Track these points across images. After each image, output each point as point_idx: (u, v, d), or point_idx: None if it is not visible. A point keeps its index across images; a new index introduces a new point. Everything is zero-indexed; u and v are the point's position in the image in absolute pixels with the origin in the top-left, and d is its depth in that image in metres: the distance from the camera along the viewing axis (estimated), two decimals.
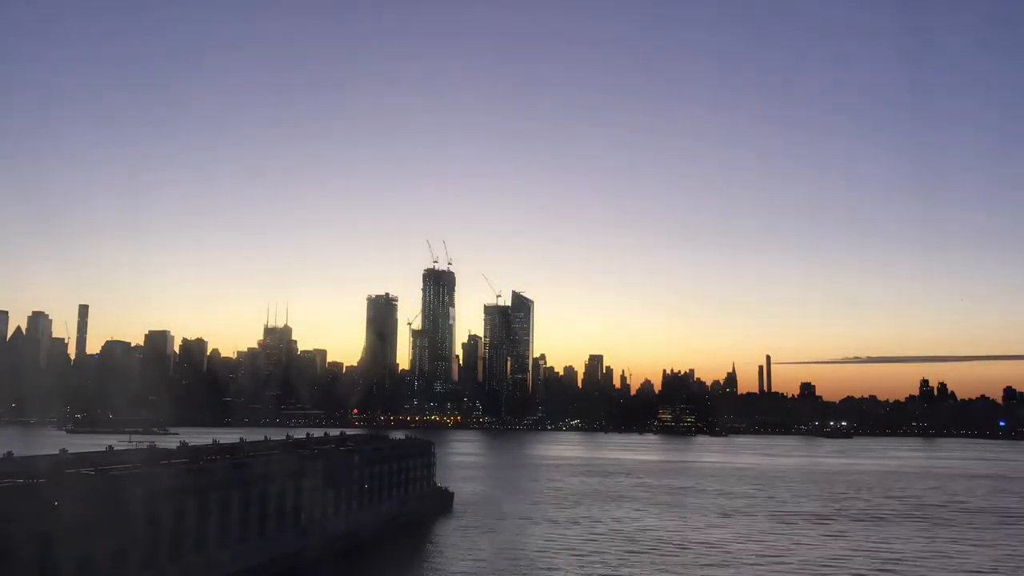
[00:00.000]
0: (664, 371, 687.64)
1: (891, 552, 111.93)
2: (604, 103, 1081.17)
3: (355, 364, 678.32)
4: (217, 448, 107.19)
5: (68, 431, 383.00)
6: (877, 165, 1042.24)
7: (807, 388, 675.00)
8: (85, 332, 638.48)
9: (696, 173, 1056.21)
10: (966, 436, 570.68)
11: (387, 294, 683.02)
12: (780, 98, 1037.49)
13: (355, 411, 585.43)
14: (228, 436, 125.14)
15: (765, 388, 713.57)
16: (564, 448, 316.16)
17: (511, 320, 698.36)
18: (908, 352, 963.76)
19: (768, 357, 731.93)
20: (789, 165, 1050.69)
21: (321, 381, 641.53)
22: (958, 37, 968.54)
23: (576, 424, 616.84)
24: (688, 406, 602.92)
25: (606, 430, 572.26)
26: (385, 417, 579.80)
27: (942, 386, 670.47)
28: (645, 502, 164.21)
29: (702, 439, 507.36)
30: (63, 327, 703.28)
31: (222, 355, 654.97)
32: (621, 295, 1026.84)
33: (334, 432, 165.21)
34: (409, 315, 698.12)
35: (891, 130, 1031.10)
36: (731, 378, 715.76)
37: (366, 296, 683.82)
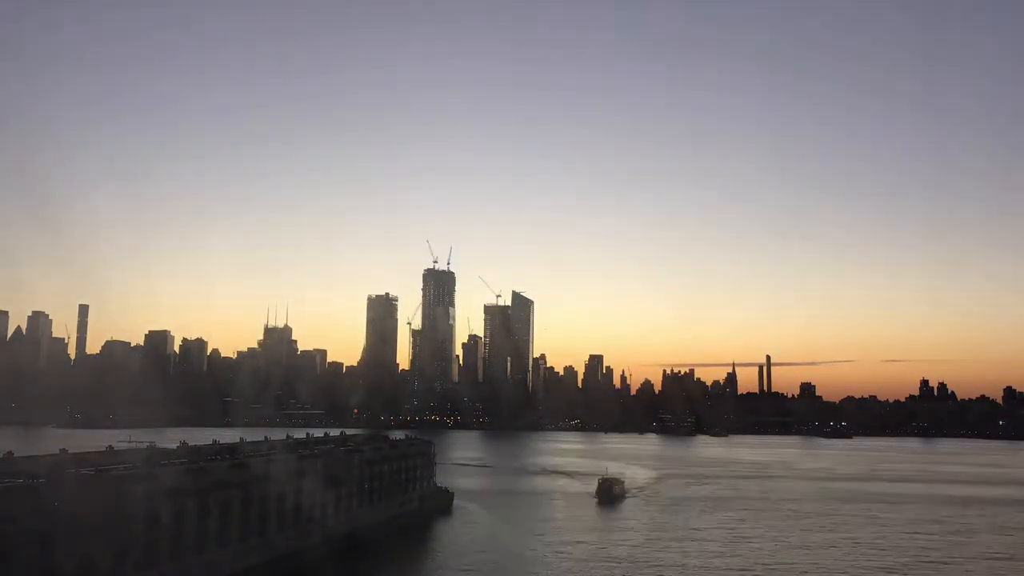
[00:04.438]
0: (664, 371, 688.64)
1: None
2: (603, 103, 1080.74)
3: (355, 364, 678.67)
4: (217, 448, 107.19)
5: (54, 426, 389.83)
6: (879, 165, 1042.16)
7: (807, 388, 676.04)
8: (85, 332, 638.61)
9: (696, 174, 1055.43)
10: (966, 436, 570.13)
11: (387, 294, 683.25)
12: (780, 98, 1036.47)
13: (355, 411, 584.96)
14: (228, 436, 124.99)
15: (765, 388, 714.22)
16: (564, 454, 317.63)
17: (511, 320, 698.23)
18: (908, 352, 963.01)
19: (768, 357, 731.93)
20: (790, 165, 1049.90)
21: (321, 381, 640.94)
22: (973, 41, 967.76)
23: (576, 424, 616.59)
24: (688, 406, 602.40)
25: (606, 430, 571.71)
26: (385, 417, 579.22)
27: (942, 386, 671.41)
28: None
29: (702, 439, 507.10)
30: (63, 327, 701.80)
31: (222, 355, 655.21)
32: (621, 295, 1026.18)
33: (334, 432, 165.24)
34: (409, 315, 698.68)
35: (894, 130, 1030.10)
36: (731, 378, 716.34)
37: (366, 296, 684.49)
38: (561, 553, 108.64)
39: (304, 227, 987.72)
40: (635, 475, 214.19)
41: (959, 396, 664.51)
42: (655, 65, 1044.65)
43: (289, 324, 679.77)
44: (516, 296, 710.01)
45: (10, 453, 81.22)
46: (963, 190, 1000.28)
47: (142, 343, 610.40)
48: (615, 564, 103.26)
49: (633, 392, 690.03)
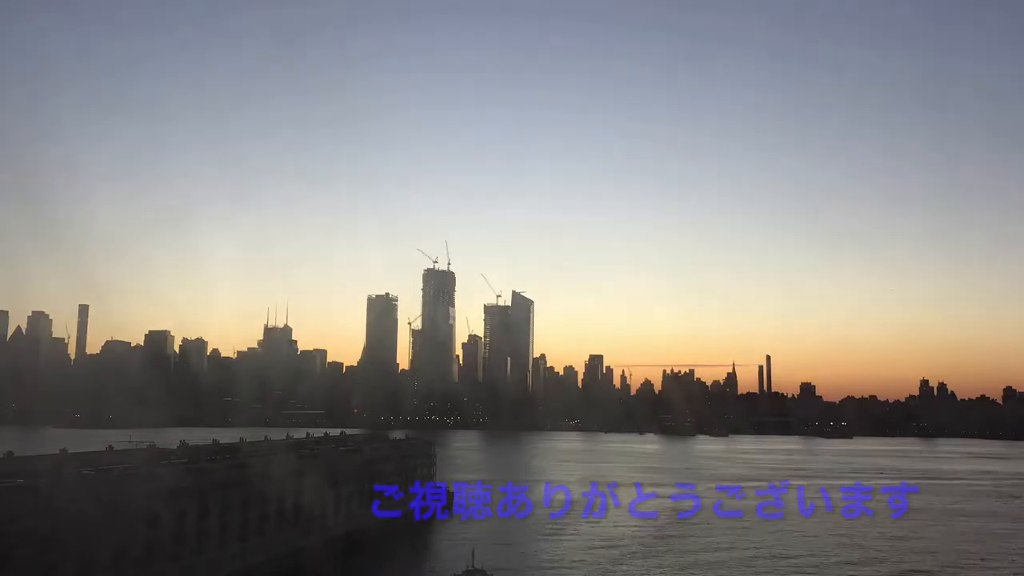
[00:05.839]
0: (664, 371, 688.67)
1: None
2: (604, 103, 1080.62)
3: (355, 364, 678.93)
4: (217, 448, 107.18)
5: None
6: (880, 165, 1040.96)
7: (807, 388, 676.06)
8: (85, 332, 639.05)
9: (696, 174, 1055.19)
10: (966, 436, 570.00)
11: (387, 294, 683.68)
12: (781, 98, 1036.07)
13: (355, 411, 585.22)
14: (228, 436, 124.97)
15: (765, 388, 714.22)
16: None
17: (511, 320, 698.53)
18: (908, 352, 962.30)
19: (768, 357, 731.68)
20: (789, 165, 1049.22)
21: (321, 381, 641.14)
22: (978, 39, 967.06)
23: (576, 424, 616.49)
24: (688, 406, 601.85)
25: (606, 430, 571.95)
26: (385, 417, 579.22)
27: (942, 386, 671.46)
28: None
29: (703, 439, 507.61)
30: (63, 327, 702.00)
31: (222, 355, 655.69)
32: (621, 295, 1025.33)
33: (334, 432, 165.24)
34: (409, 315, 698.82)
35: (896, 130, 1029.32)
36: (731, 378, 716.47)
37: (366, 296, 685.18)
38: None
39: (304, 227, 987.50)
40: None
41: (959, 396, 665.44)
42: (657, 65, 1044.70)
43: (289, 324, 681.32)
44: (516, 296, 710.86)
45: (10, 453, 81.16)
46: (964, 190, 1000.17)
47: (142, 343, 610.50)
48: None
49: (633, 392, 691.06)
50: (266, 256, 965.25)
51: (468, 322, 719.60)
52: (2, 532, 61.56)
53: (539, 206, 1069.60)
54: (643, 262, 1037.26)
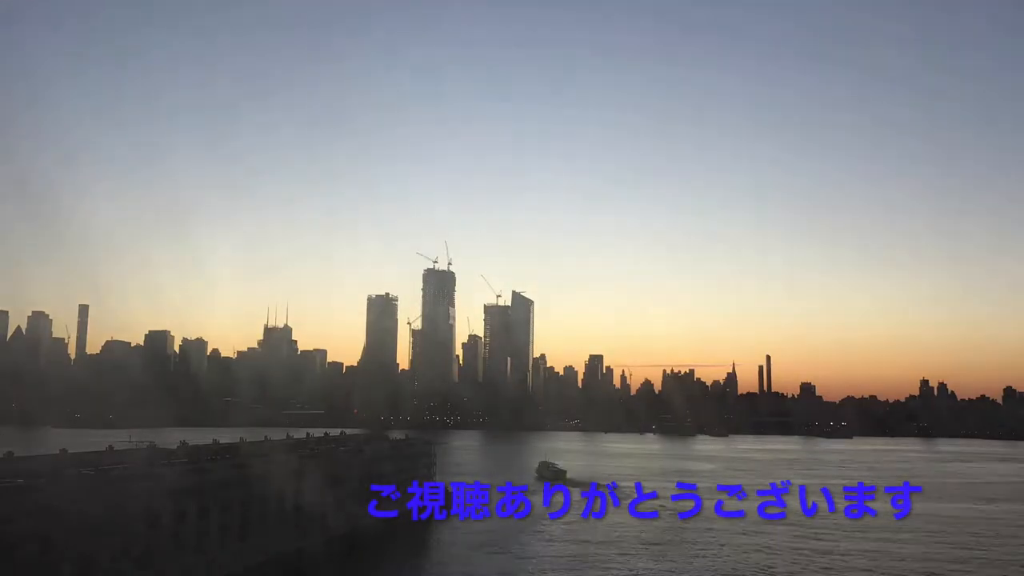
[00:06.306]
0: (664, 371, 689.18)
1: None
2: (604, 103, 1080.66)
3: (355, 364, 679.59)
4: (217, 448, 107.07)
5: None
6: (880, 163, 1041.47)
7: (807, 388, 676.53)
8: (85, 332, 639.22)
9: (697, 173, 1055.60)
10: (966, 436, 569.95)
11: (387, 294, 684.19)
12: (780, 96, 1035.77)
13: (355, 411, 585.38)
14: (228, 436, 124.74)
15: (765, 388, 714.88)
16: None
17: (511, 320, 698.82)
18: (908, 352, 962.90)
19: (768, 357, 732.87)
20: (789, 166, 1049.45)
21: (321, 381, 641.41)
22: (977, 36, 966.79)
23: (576, 424, 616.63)
24: (688, 406, 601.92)
25: (606, 430, 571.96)
26: (385, 417, 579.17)
27: (942, 386, 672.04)
28: None
29: (703, 439, 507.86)
30: (63, 327, 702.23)
31: (222, 355, 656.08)
32: (621, 295, 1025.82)
33: (334, 432, 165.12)
34: (409, 315, 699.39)
35: (895, 128, 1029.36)
36: (731, 378, 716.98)
37: (366, 296, 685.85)
38: None
39: (304, 227, 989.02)
40: None
41: (959, 396, 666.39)
42: (655, 65, 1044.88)
43: (289, 324, 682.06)
44: (516, 296, 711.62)
45: (10, 453, 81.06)
46: (964, 190, 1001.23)
47: (142, 343, 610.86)
48: None
49: (633, 392, 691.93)
50: (266, 256, 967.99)
51: (468, 322, 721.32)
52: (2, 532, 61.46)
53: (539, 206, 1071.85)
54: (643, 262, 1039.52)
